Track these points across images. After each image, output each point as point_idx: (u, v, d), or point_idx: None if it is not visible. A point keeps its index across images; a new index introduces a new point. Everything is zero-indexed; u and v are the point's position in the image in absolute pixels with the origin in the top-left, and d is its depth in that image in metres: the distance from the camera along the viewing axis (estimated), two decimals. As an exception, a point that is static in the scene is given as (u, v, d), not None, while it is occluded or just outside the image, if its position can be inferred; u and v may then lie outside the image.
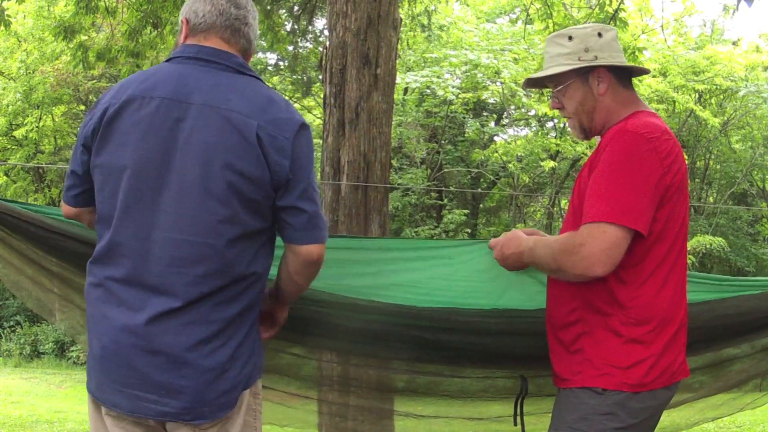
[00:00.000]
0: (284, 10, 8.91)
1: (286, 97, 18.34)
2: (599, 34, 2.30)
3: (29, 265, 2.62)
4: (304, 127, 2.03)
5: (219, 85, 2.01)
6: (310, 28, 10.34)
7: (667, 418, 2.46)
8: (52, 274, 2.61)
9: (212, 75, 2.04)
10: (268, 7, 7.86)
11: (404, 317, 2.58)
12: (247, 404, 2.07)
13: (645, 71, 2.52)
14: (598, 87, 2.29)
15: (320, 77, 11.81)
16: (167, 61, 2.11)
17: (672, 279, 2.21)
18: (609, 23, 7.07)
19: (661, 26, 13.63)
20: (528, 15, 9.36)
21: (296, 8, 8.89)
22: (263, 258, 2.07)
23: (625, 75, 2.34)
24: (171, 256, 1.96)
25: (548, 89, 2.44)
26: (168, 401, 1.97)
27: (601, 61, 2.28)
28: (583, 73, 2.30)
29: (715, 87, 15.99)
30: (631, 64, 2.35)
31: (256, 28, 2.19)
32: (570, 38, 2.31)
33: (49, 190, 18.05)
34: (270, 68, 17.06)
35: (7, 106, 16.54)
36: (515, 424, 2.61)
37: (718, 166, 18.29)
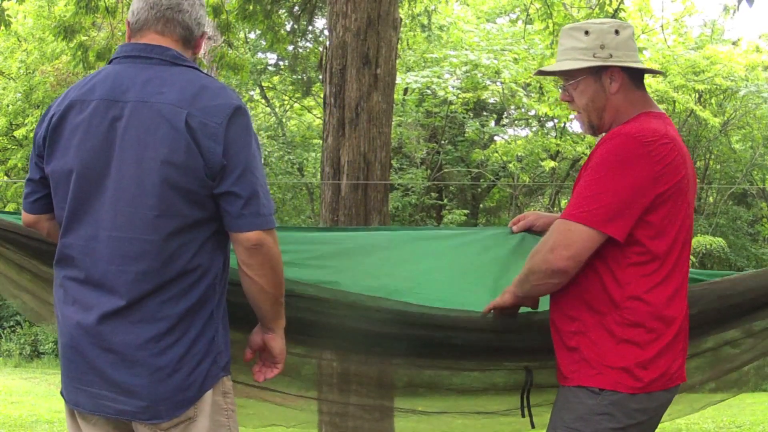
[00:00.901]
0: (284, 10, 8.91)
1: (286, 98, 18.38)
2: (616, 32, 2.28)
3: (25, 274, 2.63)
4: (238, 111, 2.00)
5: (152, 80, 2.02)
6: (310, 28, 10.35)
7: (666, 416, 2.45)
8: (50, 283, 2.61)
9: (147, 71, 2.05)
10: (268, 7, 7.86)
11: (404, 316, 2.57)
12: (214, 404, 2.05)
13: (659, 73, 2.51)
14: (610, 85, 2.29)
15: (320, 77, 11.80)
16: (108, 63, 2.16)
17: (670, 282, 2.20)
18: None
19: (661, 26, 13.64)
20: (528, 15, 9.37)
21: (296, 8, 8.89)
22: (210, 251, 2.03)
23: (637, 75, 2.33)
24: (113, 254, 1.99)
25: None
26: (124, 399, 1.99)
27: (615, 61, 2.27)
28: (596, 71, 2.29)
29: (715, 87, 15.98)
30: (646, 66, 2.33)
31: (196, 12, 2.15)
32: (587, 33, 2.29)
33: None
34: (270, 68, 17.04)
35: (8, 105, 16.54)
36: (523, 416, 2.60)
37: (718, 166, 18.29)
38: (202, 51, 2.27)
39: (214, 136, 1.95)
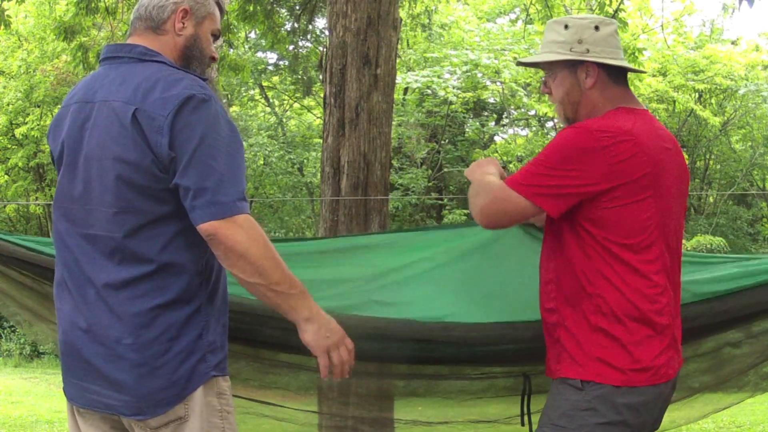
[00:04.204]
0: (284, 10, 8.91)
1: (286, 97, 18.40)
2: (596, 28, 2.30)
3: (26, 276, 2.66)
4: (190, 100, 1.94)
5: (117, 79, 2.05)
6: (310, 28, 10.33)
7: (666, 417, 2.44)
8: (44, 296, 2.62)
9: (116, 70, 2.09)
10: (269, 8, 7.86)
11: (400, 327, 2.56)
12: (207, 405, 2.02)
13: (638, 71, 2.50)
14: (585, 80, 2.30)
15: (320, 77, 11.79)
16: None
17: (643, 280, 2.19)
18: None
19: (661, 26, 13.64)
20: (528, 15, 9.37)
21: (296, 8, 8.89)
22: (184, 247, 2.00)
23: (617, 71, 2.34)
24: (91, 251, 2.02)
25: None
26: (109, 393, 2.00)
27: (591, 57, 2.29)
28: (572, 65, 2.31)
29: (714, 86, 16.00)
30: (622, 63, 2.34)
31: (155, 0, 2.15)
32: (566, 27, 2.32)
33: (50, 189, 18.05)
34: (270, 68, 17.05)
35: (8, 104, 16.55)
36: (522, 424, 2.59)
37: (718, 166, 18.30)
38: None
39: (159, 129, 1.93)
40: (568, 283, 2.23)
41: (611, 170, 2.14)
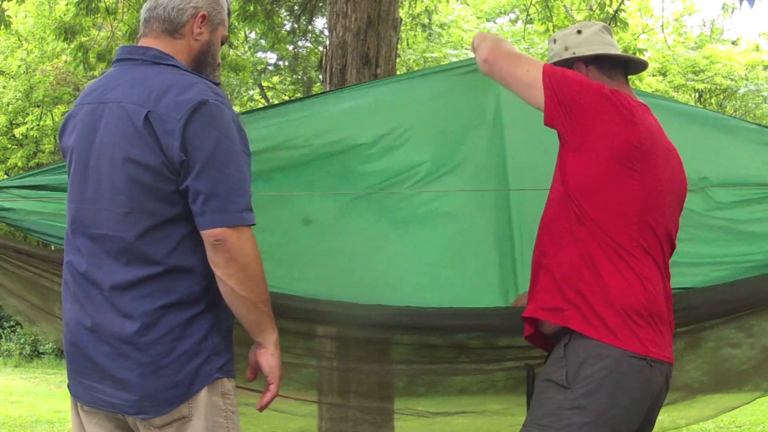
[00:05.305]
0: (284, 10, 8.92)
1: (286, 98, 18.36)
2: (578, 32, 2.38)
3: (23, 272, 2.67)
4: (203, 105, 1.97)
5: (129, 81, 2.07)
6: (310, 28, 10.34)
7: (666, 417, 2.44)
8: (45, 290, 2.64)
9: (130, 72, 2.11)
10: (268, 7, 7.87)
11: (400, 316, 2.57)
12: (212, 404, 2.04)
13: (626, 57, 2.44)
14: None
15: (320, 77, 11.80)
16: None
17: (607, 264, 2.15)
18: (609, 24, 7.07)
19: (661, 26, 13.63)
20: (528, 15, 9.37)
21: (296, 8, 8.89)
22: (191, 249, 2.02)
23: (611, 66, 2.36)
24: (99, 251, 2.04)
25: None
26: (113, 392, 2.01)
27: (575, 56, 2.35)
28: None
29: (715, 86, 15.99)
30: (600, 52, 2.35)
31: (174, 1, 2.14)
32: (555, 41, 2.43)
33: (49, 190, 18.01)
34: (270, 68, 17.04)
35: (8, 104, 16.54)
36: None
37: (718, 166, 18.28)
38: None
39: (171, 132, 1.95)
40: (557, 228, 2.26)
41: (601, 108, 2.18)
